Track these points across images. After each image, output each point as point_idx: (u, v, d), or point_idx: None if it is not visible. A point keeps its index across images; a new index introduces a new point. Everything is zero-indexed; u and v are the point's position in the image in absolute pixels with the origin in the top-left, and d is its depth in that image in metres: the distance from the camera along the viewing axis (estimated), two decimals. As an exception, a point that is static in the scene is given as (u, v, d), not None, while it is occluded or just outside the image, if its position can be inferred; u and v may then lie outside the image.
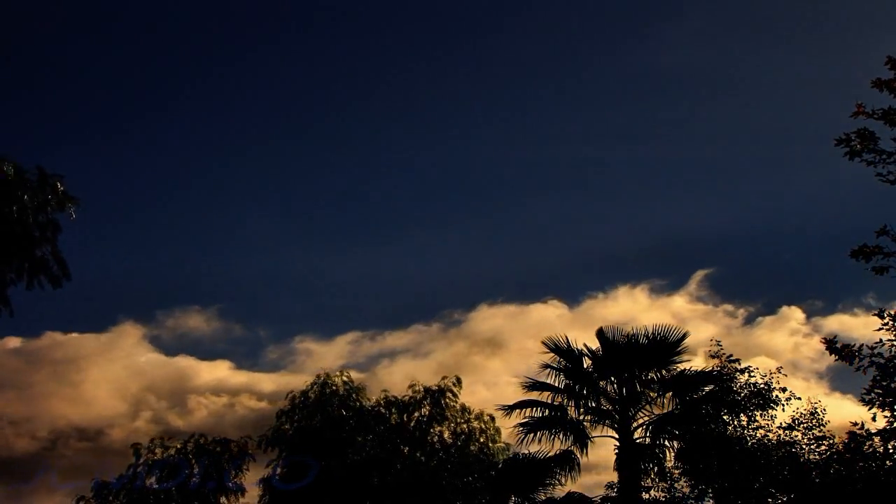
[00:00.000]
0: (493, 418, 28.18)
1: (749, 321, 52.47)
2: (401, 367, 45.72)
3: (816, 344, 45.61)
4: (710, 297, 56.56)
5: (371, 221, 66.00)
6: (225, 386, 45.18)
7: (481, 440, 27.98)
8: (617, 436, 21.44)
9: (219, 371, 49.05)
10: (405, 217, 65.93)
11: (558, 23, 68.28)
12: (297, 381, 45.37)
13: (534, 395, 22.48)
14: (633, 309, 49.52)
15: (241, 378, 47.81)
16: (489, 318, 51.12)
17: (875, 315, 15.29)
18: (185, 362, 48.67)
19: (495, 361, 47.12)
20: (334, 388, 28.45)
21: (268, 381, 46.53)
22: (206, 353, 65.67)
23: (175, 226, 64.05)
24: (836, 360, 15.56)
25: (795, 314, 48.80)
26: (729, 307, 51.14)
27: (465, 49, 70.79)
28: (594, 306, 50.63)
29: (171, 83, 68.79)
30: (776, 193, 62.83)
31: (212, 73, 70.02)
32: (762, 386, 20.01)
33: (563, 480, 21.62)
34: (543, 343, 22.39)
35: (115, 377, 46.89)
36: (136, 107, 68.88)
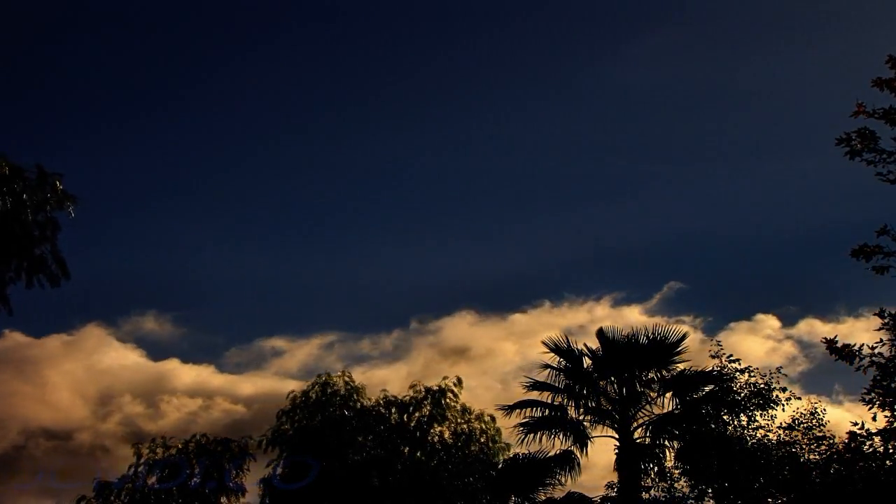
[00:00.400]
0: (493, 418, 28.16)
1: (708, 331, 52.56)
2: (373, 373, 45.80)
3: (788, 349, 45.86)
4: (673, 308, 56.65)
5: (343, 227, 66.23)
6: (198, 389, 45.40)
7: (482, 440, 27.96)
8: (617, 436, 21.43)
9: (193, 373, 49.25)
10: (378, 224, 66.00)
11: (535, 30, 68.23)
12: (268, 384, 45.86)
13: (534, 395, 22.49)
14: (591, 319, 49.92)
15: (214, 381, 48.21)
16: (461, 326, 51.42)
17: (875, 315, 15.29)
18: (155, 365, 48.93)
19: (465, 368, 47.45)
20: (335, 388, 28.46)
21: (239, 384, 46.83)
22: (182, 355, 66.04)
23: (145, 229, 63.84)
24: (835, 360, 15.56)
25: (770, 321, 48.76)
26: (686, 318, 51.29)
27: (437, 60, 70.77)
28: (550, 315, 50.72)
29: (171, 83, 68.76)
30: (746, 201, 62.95)
31: (203, 75, 69.94)
32: (762, 386, 19.98)
33: (563, 480, 21.64)
34: (543, 343, 22.45)
35: (82, 379, 46.95)
36: (135, 107, 68.83)
